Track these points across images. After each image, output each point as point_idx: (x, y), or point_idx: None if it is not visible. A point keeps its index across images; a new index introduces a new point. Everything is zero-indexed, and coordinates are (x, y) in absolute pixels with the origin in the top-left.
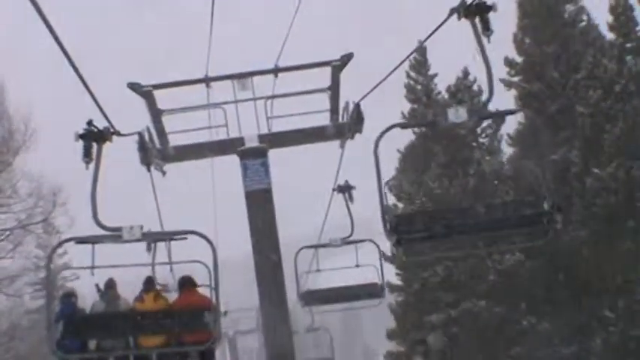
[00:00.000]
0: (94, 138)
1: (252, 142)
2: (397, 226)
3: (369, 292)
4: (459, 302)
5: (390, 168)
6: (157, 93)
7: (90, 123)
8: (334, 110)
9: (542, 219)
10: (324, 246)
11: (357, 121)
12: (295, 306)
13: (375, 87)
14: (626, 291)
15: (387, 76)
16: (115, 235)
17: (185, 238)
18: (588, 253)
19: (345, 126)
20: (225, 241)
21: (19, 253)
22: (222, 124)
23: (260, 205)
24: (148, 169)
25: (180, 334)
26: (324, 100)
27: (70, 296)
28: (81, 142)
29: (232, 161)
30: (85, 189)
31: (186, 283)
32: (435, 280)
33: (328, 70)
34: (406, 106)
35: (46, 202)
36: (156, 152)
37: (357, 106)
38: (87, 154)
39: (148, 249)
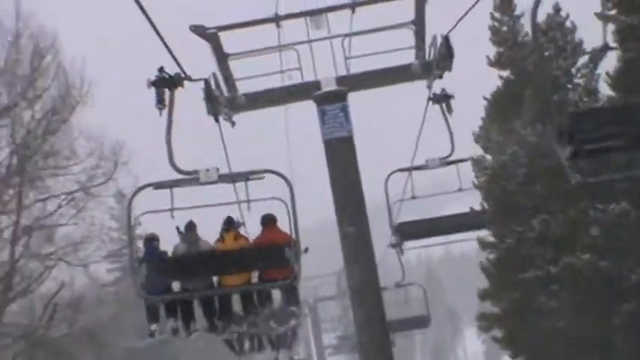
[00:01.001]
0: (166, 84)
1: (329, 86)
2: (572, 131)
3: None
4: (558, 257)
5: (475, 116)
6: (222, 35)
7: (161, 69)
8: (420, 47)
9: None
10: (419, 168)
11: (446, 56)
12: (382, 258)
13: (459, 20)
14: None
15: (473, 7)
16: (192, 179)
17: (262, 178)
18: None
19: (433, 63)
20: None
21: (82, 220)
22: (295, 67)
23: (341, 156)
24: (216, 120)
25: (262, 272)
26: (407, 37)
27: (152, 240)
28: (152, 90)
29: (308, 107)
30: (149, 144)
31: (268, 221)
32: (531, 235)
33: (411, 2)
34: (492, 50)
35: (107, 161)
36: (224, 101)
37: (447, 39)
38: (160, 101)
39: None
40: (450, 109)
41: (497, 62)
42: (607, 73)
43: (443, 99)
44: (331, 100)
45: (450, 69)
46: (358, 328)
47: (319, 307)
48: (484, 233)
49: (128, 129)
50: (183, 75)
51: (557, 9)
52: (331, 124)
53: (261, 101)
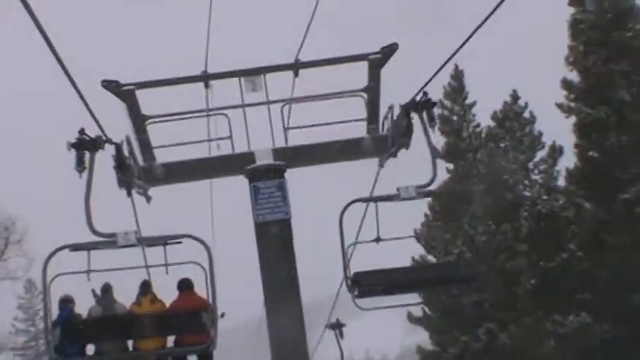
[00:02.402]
0: (86, 147)
1: (265, 159)
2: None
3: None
4: None
5: (418, 213)
6: (141, 94)
7: (82, 132)
8: (372, 119)
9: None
10: (385, 199)
11: (404, 131)
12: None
13: (418, 91)
14: None
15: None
16: (110, 241)
17: (180, 242)
18: None
19: (388, 138)
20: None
21: None
22: (226, 136)
23: (275, 242)
24: (129, 194)
25: (178, 336)
26: (358, 107)
27: (67, 302)
28: (71, 152)
29: (238, 183)
30: (43, 221)
31: (185, 286)
32: (476, 346)
33: (364, 66)
34: (440, 140)
35: None
36: (138, 171)
37: (406, 111)
38: (80, 163)
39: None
40: (432, 121)
41: (445, 153)
42: (567, 170)
43: (424, 105)
44: (267, 176)
45: (407, 146)
46: None
47: None
48: (425, 341)
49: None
50: (104, 138)
51: (515, 97)
52: (265, 204)
53: (182, 174)
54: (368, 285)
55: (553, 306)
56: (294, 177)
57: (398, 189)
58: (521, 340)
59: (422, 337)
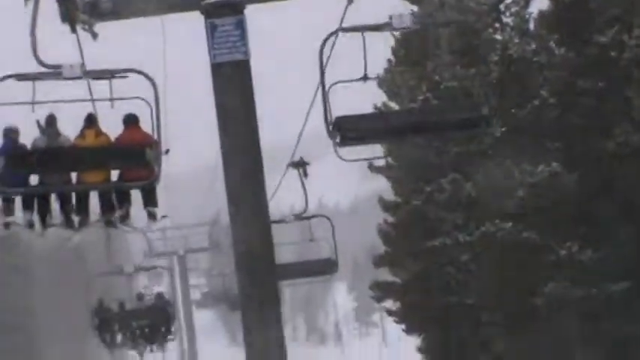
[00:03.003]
0: None
1: None
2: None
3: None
4: (471, 224)
5: (379, 57)
6: None
7: None
8: None
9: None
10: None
11: None
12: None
13: None
14: None
15: None
16: (56, 72)
17: (126, 77)
18: None
19: None
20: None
21: None
22: None
23: (233, 84)
24: (73, 29)
25: (123, 171)
26: None
27: (11, 132)
28: None
29: (194, 21)
30: None
31: (130, 121)
32: (441, 197)
33: None
34: None
35: None
36: (83, 4)
37: None
38: None
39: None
40: (305, 174)
41: None
42: (540, 12)
43: (300, 165)
44: (224, 13)
45: None
46: (240, 274)
47: (188, 258)
48: (386, 191)
49: None
50: None
51: None
52: (222, 43)
53: (132, 8)
54: (353, 130)
55: (522, 155)
56: (253, 16)
57: (390, 17)
58: (488, 190)
59: (377, 187)
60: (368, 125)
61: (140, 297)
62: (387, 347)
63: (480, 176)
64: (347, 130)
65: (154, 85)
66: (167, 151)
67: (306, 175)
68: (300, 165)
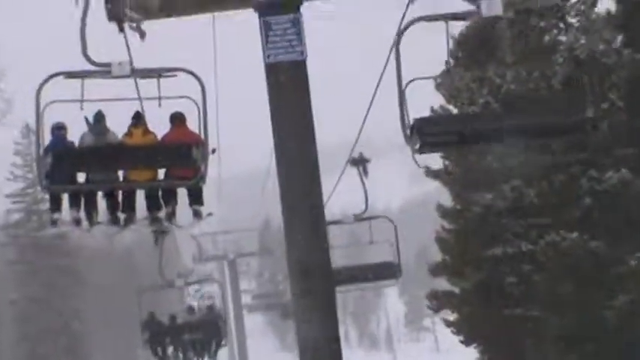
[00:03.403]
0: None
1: None
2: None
3: None
4: (535, 233)
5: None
6: None
7: None
8: None
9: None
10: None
11: None
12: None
13: None
14: None
15: None
16: (104, 71)
17: (175, 76)
18: None
19: None
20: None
21: None
22: None
23: (288, 85)
24: (120, 28)
25: (169, 170)
26: None
27: (59, 129)
28: None
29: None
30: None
31: (177, 119)
32: (502, 205)
33: None
34: None
35: None
36: (130, 1)
37: None
38: None
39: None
40: (366, 172)
41: None
42: (608, 13)
43: (360, 162)
44: (279, 10)
45: None
46: (293, 281)
47: (239, 262)
48: (436, 195)
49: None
50: None
51: None
52: (277, 42)
53: (181, 6)
54: (436, 135)
55: (589, 162)
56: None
57: (478, 3)
58: (552, 198)
59: (427, 191)
60: (452, 129)
61: (191, 310)
62: (439, 353)
63: (544, 183)
64: (428, 135)
65: (201, 84)
66: (214, 151)
67: (366, 173)
68: (360, 162)
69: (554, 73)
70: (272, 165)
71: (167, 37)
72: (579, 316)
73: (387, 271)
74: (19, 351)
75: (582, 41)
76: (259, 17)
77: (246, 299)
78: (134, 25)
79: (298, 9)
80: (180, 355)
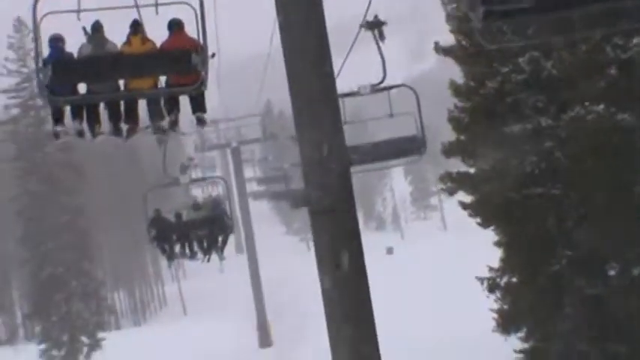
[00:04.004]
0: None
1: None
2: None
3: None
4: (554, 107)
5: None
6: None
7: None
8: None
9: None
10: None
11: None
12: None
13: None
14: None
15: None
16: None
17: None
18: None
19: None
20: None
21: None
22: None
23: None
24: None
25: (170, 78)
26: None
27: (57, 40)
28: None
29: None
30: None
31: (175, 26)
32: (519, 78)
33: None
34: None
35: None
36: None
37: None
38: None
39: None
40: (382, 37)
41: None
42: None
43: (375, 25)
44: None
45: None
46: (306, 164)
47: (242, 149)
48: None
49: None
50: None
51: None
52: None
53: None
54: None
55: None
56: None
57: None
58: (573, 69)
59: (427, 67)
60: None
61: (196, 206)
62: (446, 231)
63: (564, 53)
64: (495, 2)
65: None
66: (213, 55)
67: (382, 37)
68: (376, 25)
69: None
70: (272, 48)
71: None
72: (606, 193)
73: (411, 146)
74: (23, 248)
75: None
76: None
77: (251, 187)
78: None
79: None
80: (188, 251)
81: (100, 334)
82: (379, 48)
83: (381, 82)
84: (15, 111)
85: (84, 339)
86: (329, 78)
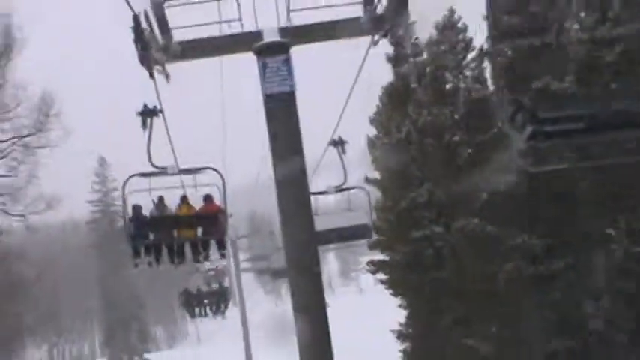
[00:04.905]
0: (148, 114)
1: (271, 37)
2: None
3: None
4: (444, 221)
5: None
6: None
7: (145, 105)
8: (368, 1)
9: None
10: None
11: (398, 6)
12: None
13: None
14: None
15: None
16: (163, 172)
17: (204, 172)
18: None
19: (385, 15)
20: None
21: (22, 173)
22: (235, 18)
23: (282, 111)
24: (151, 74)
25: (204, 229)
26: None
27: (137, 208)
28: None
29: (248, 62)
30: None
31: (207, 198)
32: (421, 200)
33: None
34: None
35: (36, 112)
36: (156, 46)
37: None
38: (144, 125)
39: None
40: (344, 151)
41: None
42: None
43: (339, 144)
44: (273, 52)
45: (403, 23)
46: (287, 246)
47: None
48: (380, 198)
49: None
50: (159, 108)
51: (451, 11)
52: (273, 77)
53: (198, 51)
54: (555, 120)
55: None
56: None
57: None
58: (457, 195)
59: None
60: (579, 113)
61: (209, 284)
62: (361, 294)
63: (453, 185)
64: (544, 123)
65: (222, 178)
66: (231, 215)
67: (344, 151)
68: (339, 143)
69: (457, 110)
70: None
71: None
72: (476, 275)
73: (362, 232)
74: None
75: (477, 86)
76: (257, 59)
77: (242, 264)
78: (160, 68)
79: (288, 51)
80: (203, 312)
81: (146, 355)
82: (342, 160)
83: (342, 184)
84: (97, 215)
85: (136, 358)
86: (305, 190)
